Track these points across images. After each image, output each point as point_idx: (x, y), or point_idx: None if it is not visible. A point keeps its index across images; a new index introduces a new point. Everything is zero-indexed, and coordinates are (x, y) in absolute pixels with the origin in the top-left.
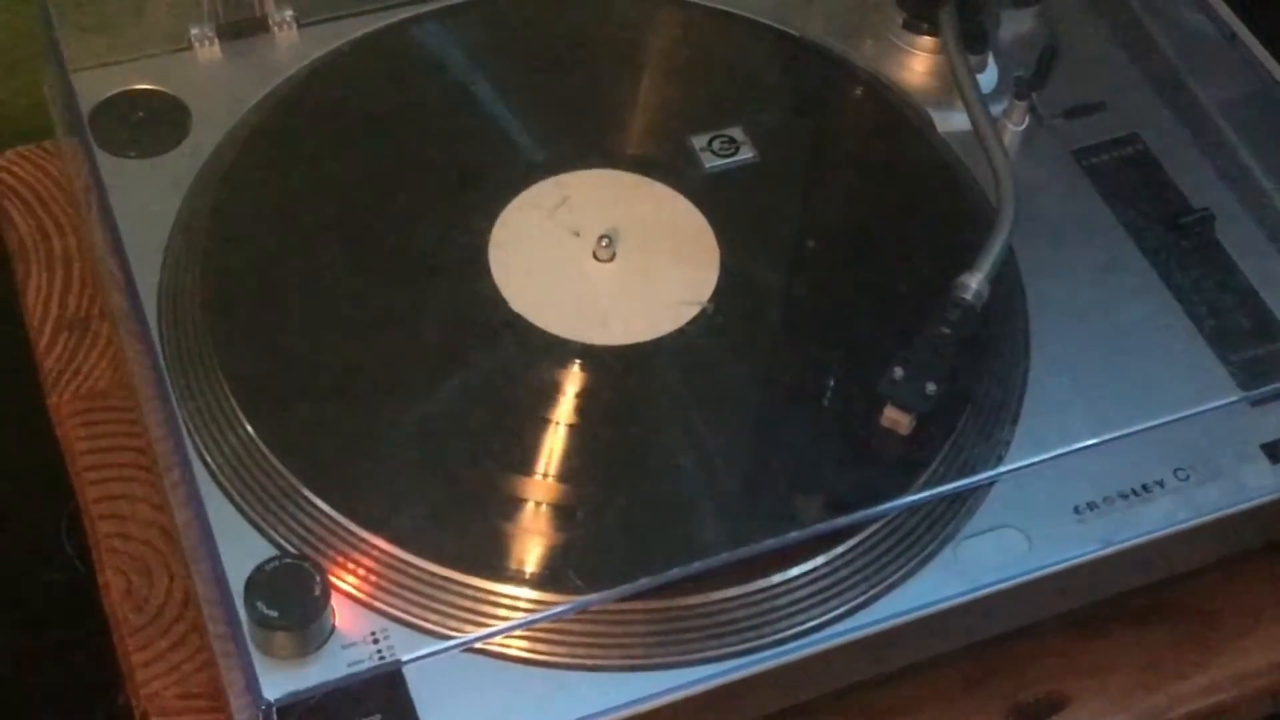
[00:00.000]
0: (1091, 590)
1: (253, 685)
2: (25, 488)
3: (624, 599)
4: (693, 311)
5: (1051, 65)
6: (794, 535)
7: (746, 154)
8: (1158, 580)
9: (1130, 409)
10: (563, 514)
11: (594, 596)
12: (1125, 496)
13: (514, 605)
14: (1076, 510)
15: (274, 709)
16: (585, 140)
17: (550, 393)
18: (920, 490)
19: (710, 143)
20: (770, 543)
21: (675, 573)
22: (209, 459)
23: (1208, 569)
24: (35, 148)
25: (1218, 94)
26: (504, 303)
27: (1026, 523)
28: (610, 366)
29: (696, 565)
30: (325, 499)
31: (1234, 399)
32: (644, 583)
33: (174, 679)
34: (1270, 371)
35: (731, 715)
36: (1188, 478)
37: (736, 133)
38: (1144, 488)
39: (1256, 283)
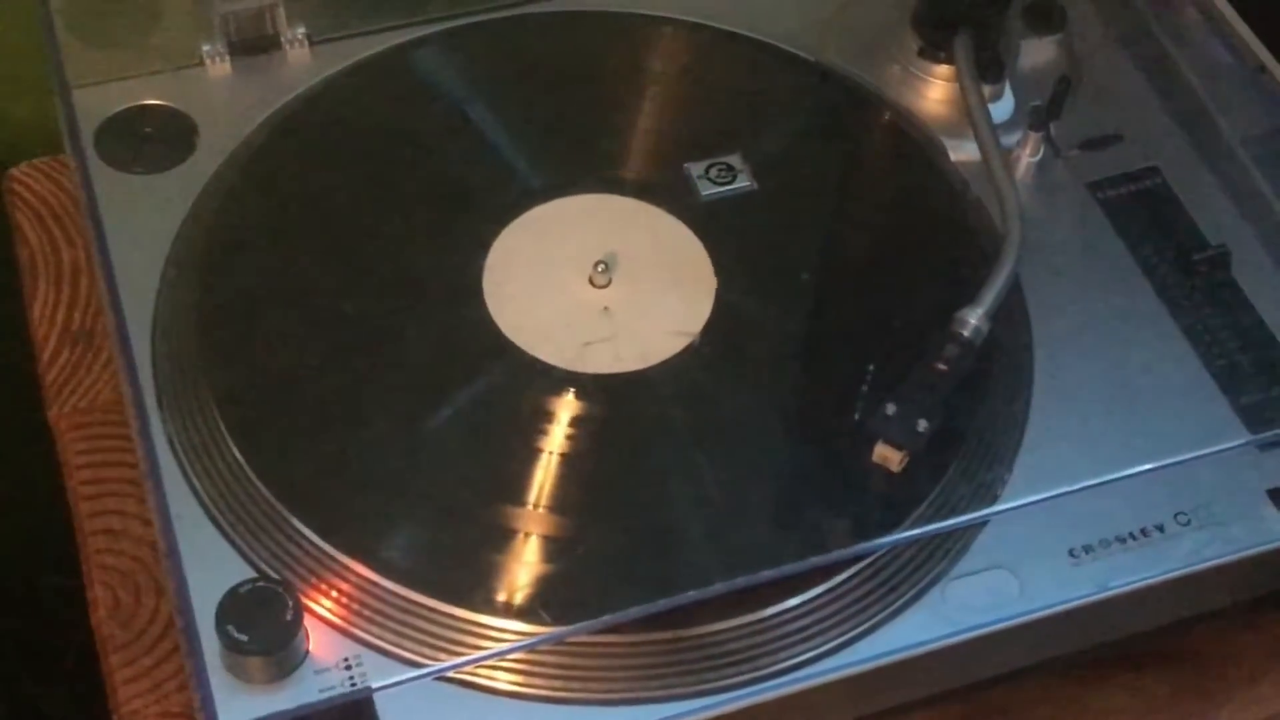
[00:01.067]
0: (1087, 636)
1: (208, 709)
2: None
3: (599, 632)
4: (685, 342)
5: (1066, 96)
6: (777, 572)
7: (744, 182)
8: (1160, 626)
9: (1133, 450)
10: (542, 544)
11: (565, 629)
12: (1123, 540)
13: (491, 636)
14: (1072, 553)
15: None
16: (586, 165)
17: (537, 421)
18: (909, 529)
19: (708, 170)
20: (752, 578)
21: (647, 608)
22: (194, 479)
23: (1212, 616)
24: (50, 160)
25: (1243, 128)
26: (495, 328)
27: (1019, 564)
28: (600, 396)
29: (667, 601)
30: (306, 523)
31: (1240, 442)
32: (614, 617)
33: (155, 697)
34: None
35: None
36: (1189, 522)
37: (735, 160)
38: (1142, 532)
39: (1272, 324)
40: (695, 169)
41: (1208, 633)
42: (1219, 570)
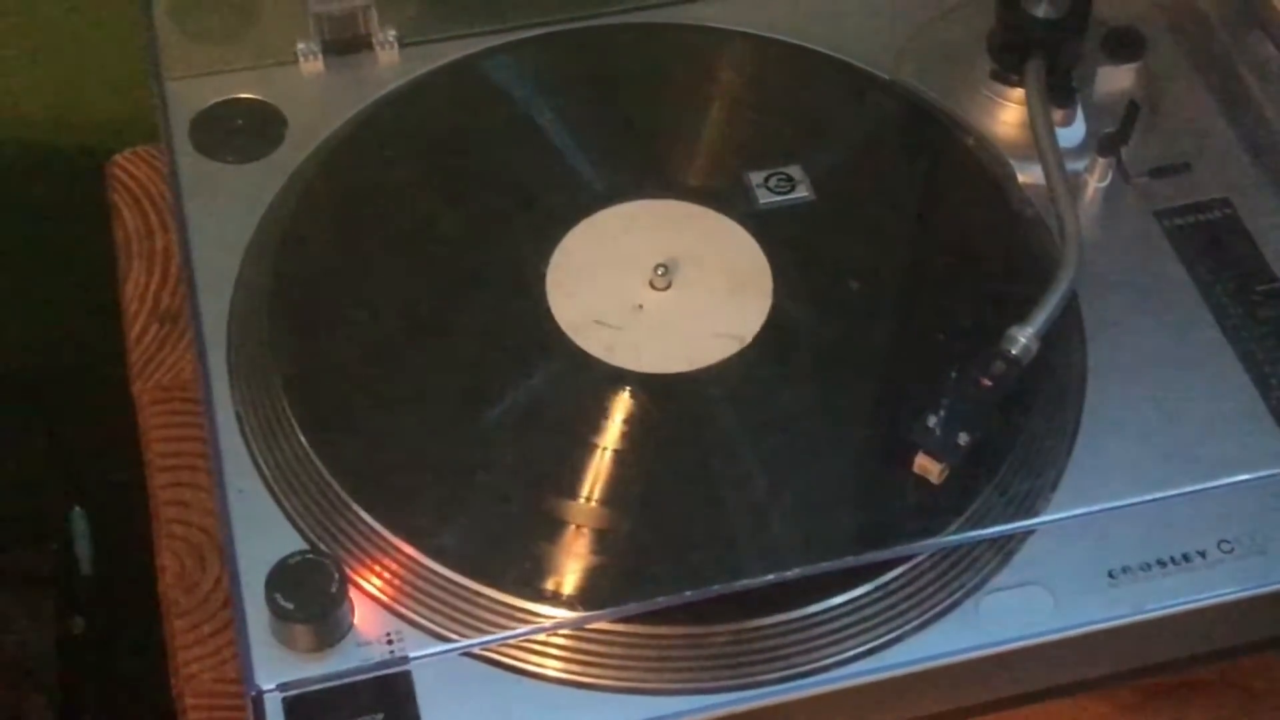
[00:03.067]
0: (1125, 659)
1: (247, 671)
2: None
3: (631, 623)
4: (738, 345)
5: (1134, 122)
6: (801, 572)
7: (802, 193)
8: (1201, 655)
9: (1181, 477)
10: (586, 535)
11: (590, 614)
12: (1164, 564)
13: (531, 619)
14: (1110, 574)
15: (263, 695)
16: (652, 171)
17: (590, 416)
18: (946, 538)
19: (767, 179)
20: (779, 577)
21: (671, 600)
22: (258, 455)
23: (1261, 647)
24: (152, 148)
25: None
26: (556, 325)
27: (1057, 582)
28: (652, 395)
29: (693, 594)
30: (359, 501)
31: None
32: (639, 606)
33: (213, 662)
34: None
35: None
36: (1232, 550)
37: (795, 171)
38: (1184, 557)
39: None
40: (755, 178)
41: (1258, 665)
42: (1260, 600)
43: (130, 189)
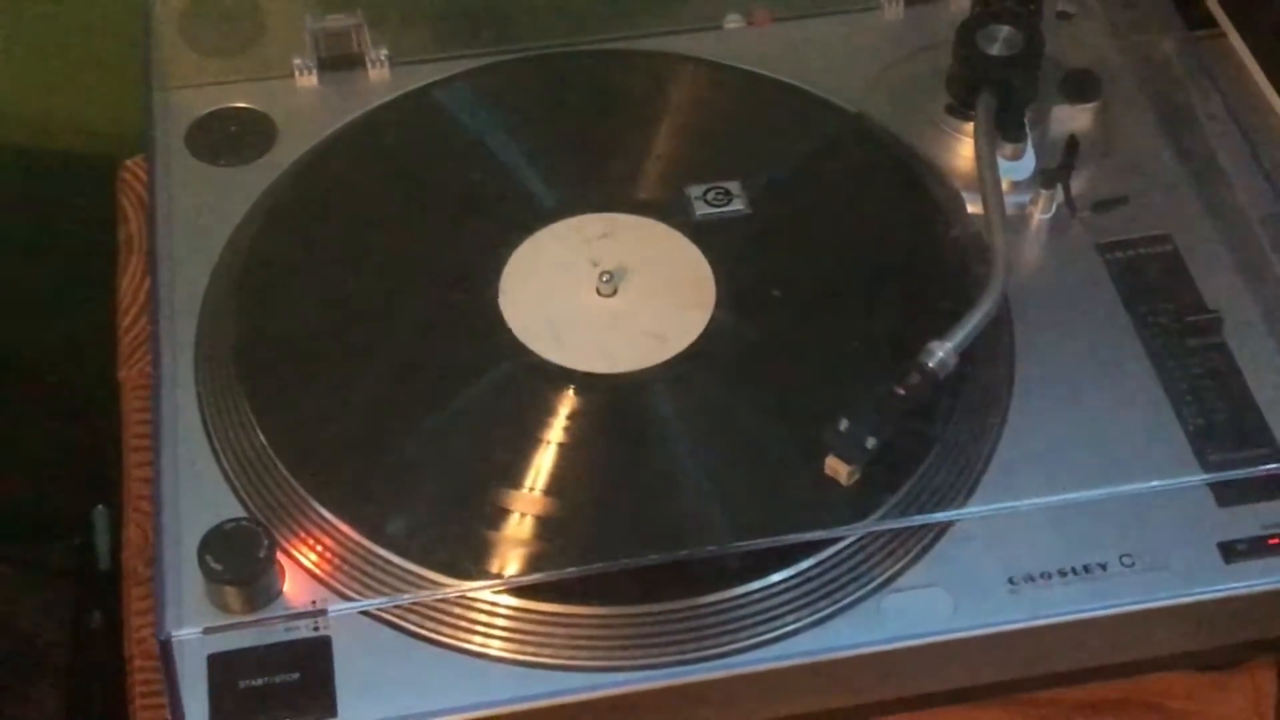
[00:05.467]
0: (1023, 664)
1: (160, 620)
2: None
3: (538, 599)
4: (676, 349)
5: (1074, 156)
6: (696, 556)
7: (738, 206)
8: (1106, 668)
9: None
10: (507, 517)
11: (479, 584)
12: (1064, 574)
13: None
14: (1011, 580)
15: (171, 641)
16: (606, 186)
17: (532, 411)
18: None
19: (705, 193)
20: (667, 556)
21: (555, 574)
22: (212, 431)
23: (1165, 665)
24: None
25: (1264, 205)
26: (505, 327)
27: (959, 586)
28: (592, 393)
29: (574, 569)
30: (297, 478)
31: (1189, 479)
32: (538, 577)
33: None
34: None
35: None
36: (1133, 564)
37: (733, 186)
38: (1085, 568)
39: (1256, 392)
40: (695, 191)
41: (1172, 683)
42: (1156, 614)
43: (137, 192)
